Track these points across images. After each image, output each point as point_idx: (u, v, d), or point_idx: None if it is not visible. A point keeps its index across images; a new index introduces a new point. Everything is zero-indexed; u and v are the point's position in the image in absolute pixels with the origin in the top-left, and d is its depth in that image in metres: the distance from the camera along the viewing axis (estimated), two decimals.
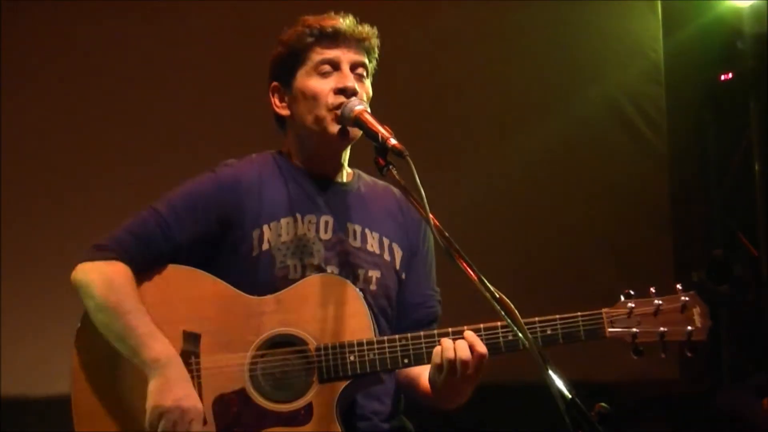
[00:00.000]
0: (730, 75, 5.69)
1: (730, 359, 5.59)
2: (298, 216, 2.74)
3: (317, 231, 2.74)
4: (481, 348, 2.50)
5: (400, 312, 2.81)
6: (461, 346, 2.50)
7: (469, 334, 2.53)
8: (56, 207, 4.66)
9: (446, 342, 2.52)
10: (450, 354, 2.50)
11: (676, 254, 5.44)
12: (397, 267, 2.82)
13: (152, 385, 2.53)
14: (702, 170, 5.79)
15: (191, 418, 2.52)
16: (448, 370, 2.50)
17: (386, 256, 2.80)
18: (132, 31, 4.84)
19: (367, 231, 2.80)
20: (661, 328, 2.56)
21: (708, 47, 5.63)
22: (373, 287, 2.73)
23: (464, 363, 2.49)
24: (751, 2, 5.51)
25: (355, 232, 2.78)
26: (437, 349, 2.53)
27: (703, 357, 5.40)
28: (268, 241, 2.70)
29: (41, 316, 4.40)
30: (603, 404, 1.99)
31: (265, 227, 2.71)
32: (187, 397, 2.53)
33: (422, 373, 2.71)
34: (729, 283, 5.23)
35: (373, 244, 2.79)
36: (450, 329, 2.58)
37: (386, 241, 2.81)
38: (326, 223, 2.76)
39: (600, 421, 1.96)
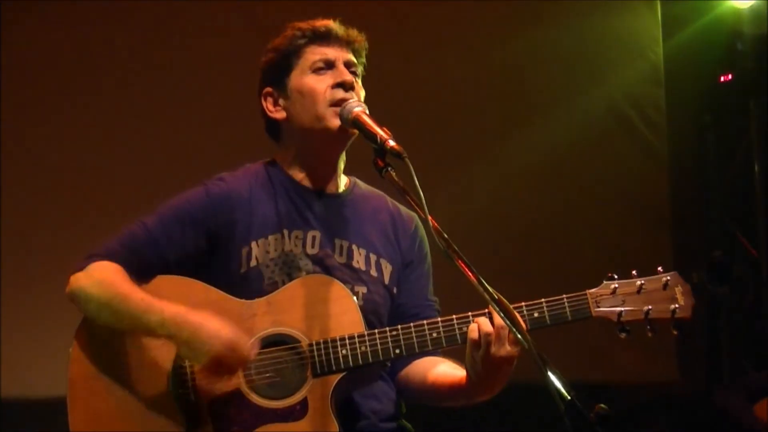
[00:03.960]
0: (730, 76, 5.70)
1: (729, 359, 5.59)
2: (286, 232, 2.74)
3: (304, 246, 2.74)
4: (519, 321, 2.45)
5: (398, 324, 2.79)
6: (498, 316, 2.47)
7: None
8: (56, 208, 4.66)
9: (481, 318, 2.51)
10: (487, 326, 2.47)
11: (676, 254, 5.44)
12: (386, 282, 2.81)
13: (185, 341, 2.52)
14: (702, 170, 5.79)
15: (241, 348, 2.52)
16: (485, 343, 2.47)
17: (373, 272, 2.80)
18: (132, 31, 4.85)
19: (354, 247, 2.79)
20: (646, 306, 2.59)
21: (708, 48, 5.64)
22: (359, 303, 2.71)
23: (502, 331, 2.45)
24: (750, 3, 5.51)
25: (341, 247, 2.78)
26: (473, 326, 2.51)
27: (702, 357, 5.42)
28: (256, 258, 2.71)
29: (41, 317, 4.40)
30: (602, 405, 1.99)
31: (254, 244, 2.72)
32: (222, 330, 2.52)
33: (429, 369, 2.73)
34: (729, 284, 5.24)
35: (359, 261, 2.79)
36: (439, 319, 2.60)
37: (373, 257, 2.81)
38: (313, 238, 2.76)
39: (599, 422, 1.97)
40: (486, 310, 2.52)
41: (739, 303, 5.48)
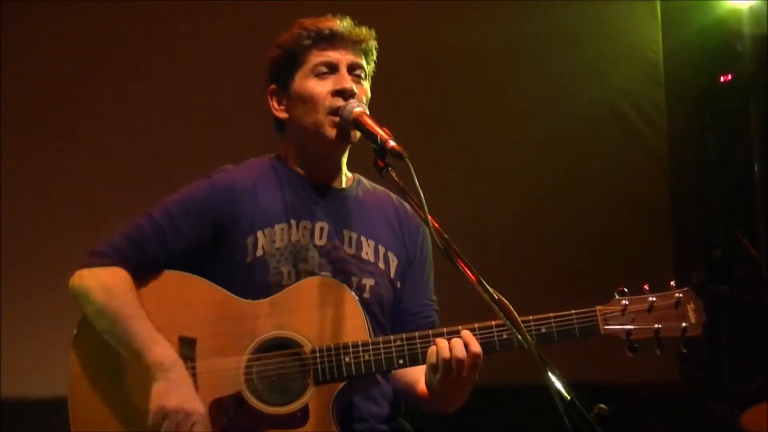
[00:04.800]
0: (730, 76, 5.69)
1: (730, 360, 5.59)
2: (293, 222, 2.74)
3: (312, 237, 2.74)
4: (476, 347, 2.50)
5: (397, 322, 2.80)
6: (456, 344, 2.50)
7: (465, 333, 2.52)
8: (56, 207, 4.66)
9: (441, 342, 2.51)
10: (445, 353, 2.49)
11: (676, 254, 5.44)
12: (392, 275, 2.81)
13: (156, 388, 2.53)
14: (702, 170, 5.79)
15: (194, 421, 2.52)
16: (443, 369, 2.49)
17: (381, 265, 2.80)
18: (132, 31, 4.84)
19: (362, 238, 2.79)
20: (656, 325, 2.56)
21: (707, 48, 5.63)
22: (366, 295, 2.72)
23: (459, 362, 2.48)
24: (750, 3, 5.51)
25: (350, 239, 2.78)
26: (432, 349, 2.52)
27: (702, 357, 5.42)
28: (262, 248, 2.70)
29: (41, 317, 4.40)
30: (602, 405, 1.99)
31: (259, 233, 2.71)
32: (190, 400, 2.53)
33: (420, 378, 2.71)
34: (729, 284, 5.23)
35: (368, 252, 2.79)
36: (445, 329, 2.58)
37: (381, 249, 2.81)
38: (321, 229, 2.75)
39: (599, 422, 1.97)
40: (460, 327, 2.52)
41: (739, 303, 5.47)
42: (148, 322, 2.60)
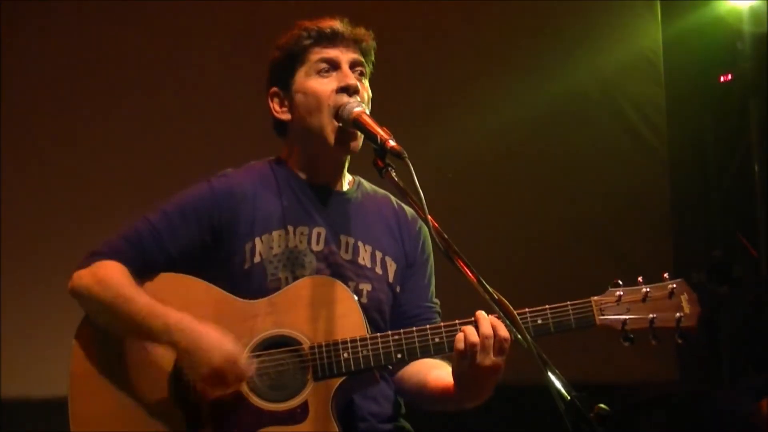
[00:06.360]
0: (730, 76, 5.70)
1: (730, 359, 5.60)
2: (290, 228, 2.73)
3: (309, 242, 2.73)
4: (504, 331, 2.45)
5: (397, 324, 2.77)
6: (483, 323, 2.46)
7: (492, 317, 2.48)
8: (56, 208, 4.66)
9: (467, 327, 2.49)
10: (473, 337, 2.46)
11: (676, 254, 5.45)
12: (390, 280, 2.81)
13: (180, 352, 2.52)
14: (702, 171, 5.80)
15: (240, 362, 2.52)
16: (471, 354, 2.46)
17: (378, 270, 2.79)
18: (133, 32, 4.84)
19: (359, 244, 2.79)
20: (650, 315, 2.57)
21: (707, 48, 5.64)
22: (363, 300, 2.71)
23: (486, 338, 2.45)
24: (750, 3, 5.52)
25: (347, 244, 2.78)
26: (459, 336, 2.49)
27: (702, 357, 5.42)
28: (260, 254, 2.70)
29: (41, 317, 4.40)
30: (602, 405, 1.99)
31: (257, 240, 2.71)
32: (224, 344, 2.52)
33: (428, 373, 2.72)
34: (729, 284, 5.24)
35: (364, 258, 2.78)
36: (443, 324, 2.58)
37: (379, 255, 2.80)
38: (318, 234, 2.75)
39: (599, 422, 1.97)
40: (472, 318, 2.52)
41: (739, 303, 5.48)
42: (147, 297, 2.58)
